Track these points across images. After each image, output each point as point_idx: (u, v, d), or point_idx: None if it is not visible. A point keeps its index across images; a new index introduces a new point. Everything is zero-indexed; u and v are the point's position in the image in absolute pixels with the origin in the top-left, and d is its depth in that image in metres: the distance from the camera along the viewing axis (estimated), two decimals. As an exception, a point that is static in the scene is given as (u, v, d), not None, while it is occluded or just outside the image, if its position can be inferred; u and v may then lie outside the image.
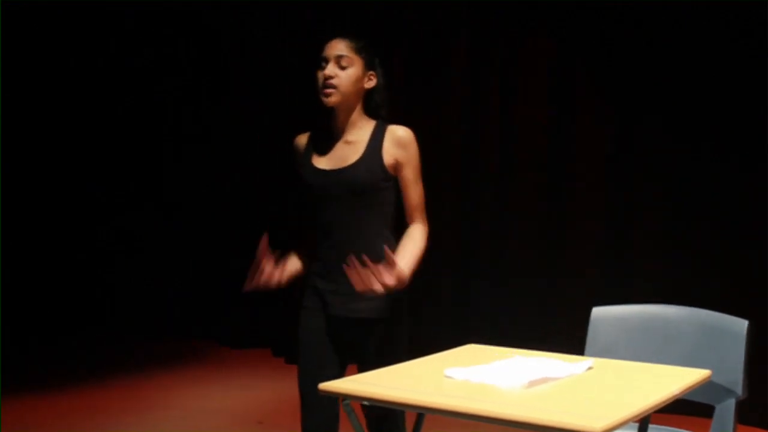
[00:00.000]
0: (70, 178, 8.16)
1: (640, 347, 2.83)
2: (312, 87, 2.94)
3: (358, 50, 2.89)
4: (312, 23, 6.50)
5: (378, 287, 2.60)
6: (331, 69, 2.85)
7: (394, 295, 2.71)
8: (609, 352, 2.78)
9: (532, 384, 2.12)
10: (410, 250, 2.80)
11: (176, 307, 7.83)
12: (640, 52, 5.27)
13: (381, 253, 2.66)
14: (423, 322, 6.07)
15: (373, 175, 2.84)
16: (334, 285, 2.88)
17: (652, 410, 2.01)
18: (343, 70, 2.86)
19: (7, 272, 7.64)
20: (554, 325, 5.45)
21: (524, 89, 5.77)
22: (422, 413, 2.39)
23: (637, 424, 2.26)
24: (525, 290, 5.72)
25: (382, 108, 2.97)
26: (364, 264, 2.59)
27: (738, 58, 4.90)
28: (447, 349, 2.70)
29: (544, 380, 2.17)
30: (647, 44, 5.24)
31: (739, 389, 2.61)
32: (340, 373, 2.86)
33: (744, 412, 2.77)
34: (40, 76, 7.96)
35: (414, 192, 2.89)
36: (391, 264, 2.60)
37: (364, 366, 2.80)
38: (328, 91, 2.85)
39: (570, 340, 3.21)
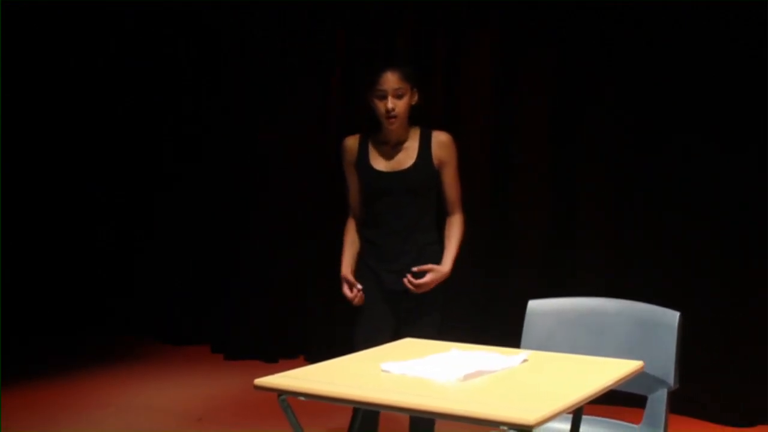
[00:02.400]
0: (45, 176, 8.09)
1: (575, 340, 2.86)
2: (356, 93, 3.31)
3: (407, 78, 3.43)
4: (312, 23, 6.46)
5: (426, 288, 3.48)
6: (391, 102, 3.39)
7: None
8: (545, 344, 2.81)
9: (468, 377, 2.14)
10: (454, 243, 3.54)
11: (113, 302, 7.73)
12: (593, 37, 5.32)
13: (428, 238, 3.52)
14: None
15: (427, 175, 3.48)
16: (389, 264, 3.49)
17: (586, 401, 2.04)
18: (400, 99, 3.41)
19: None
20: (491, 319, 5.48)
21: (467, 78, 5.77)
22: (360, 408, 2.40)
23: (571, 416, 2.29)
24: (462, 283, 5.73)
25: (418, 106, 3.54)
26: (415, 275, 3.45)
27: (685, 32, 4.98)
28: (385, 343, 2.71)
29: (480, 373, 2.19)
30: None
31: (671, 380, 2.66)
32: (392, 338, 3.21)
33: (676, 402, 2.81)
34: (39, 75, 7.84)
35: (454, 188, 3.53)
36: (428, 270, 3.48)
37: (407, 325, 3.47)
38: (392, 120, 3.41)
39: (507, 333, 3.24)
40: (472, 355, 2.38)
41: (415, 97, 3.49)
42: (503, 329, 4.36)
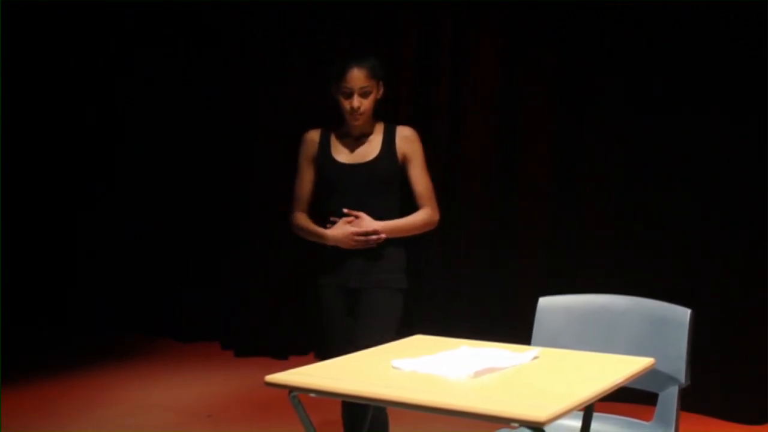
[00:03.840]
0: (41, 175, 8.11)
1: (585, 337, 2.85)
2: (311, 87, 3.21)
3: (373, 74, 3.36)
4: (312, 23, 6.47)
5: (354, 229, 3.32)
6: (357, 101, 3.34)
7: (401, 268, 3.43)
8: (555, 341, 2.81)
9: (479, 374, 2.14)
10: (402, 219, 3.42)
11: (123, 300, 7.75)
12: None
13: (390, 238, 3.36)
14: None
15: (390, 168, 3.40)
16: (350, 261, 3.37)
17: (597, 399, 2.03)
18: (366, 97, 3.35)
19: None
20: (501, 316, 5.48)
21: (471, 75, 5.77)
22: (370, 405, 2.40)
23: (582, 413, 2.29)
24: (472, 280, 5.74)
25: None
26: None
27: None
28: (403, 329, 2.71)
29: (490, 370, 2.18)
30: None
31: (682, 377, 2.65)
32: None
33: (687, 400, 2.80)
34: (38, 75, 7.88)
35: (420, 183, 3.45)
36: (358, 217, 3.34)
37: (368, 324, 3.33)
38: (357, 116, 3.36)
39: (517, 330, 3.23)
40: (483, 352, 2.38)
41: (381, 91, 3.44)
42: (512, 325, 4.38)
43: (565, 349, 2.63)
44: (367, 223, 3.32)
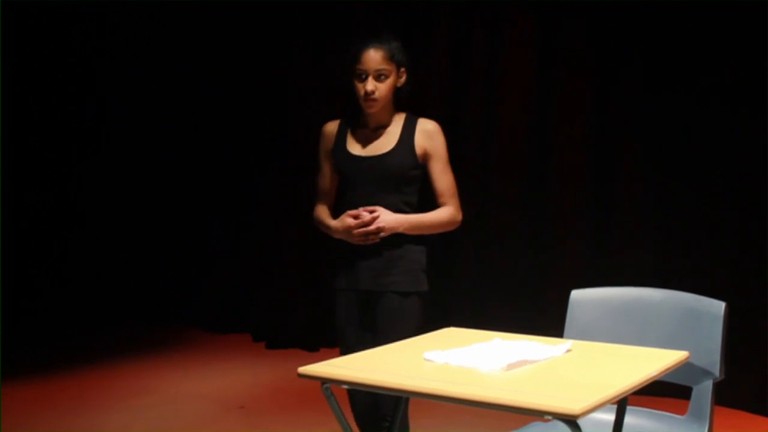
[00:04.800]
0: (69, 167, 8.17)
1: (618, 329, 2.84)
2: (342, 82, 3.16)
3: (393, 57, 3.13)
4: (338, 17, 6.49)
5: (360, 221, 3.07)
6: (371, 84, 3.09)
7: (419, 270, 3.16)
8: (588, 334, 2.79)
9: (512, 367, 2.13)
10: (422, 215, 3.17)
11: (157, 291, 7.81)
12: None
13: (408, 237, 3.13)
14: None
15: (405, 163, 3.14)
16: (364, 262, 3.14)
17: (630, 392, 2.02)
18: (382, 82, 3.11)
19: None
20: (534, 308, 5.46)
21: (506, 64, 5.76)
22: (403, 397, 2.40)
23: (615, 406, 2.28)
24: (505, 273, 5.73)
25: (407, 90, 3.23)
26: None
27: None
28: (426, 332, 2.71)
29: (523, 363, 2.17)
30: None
31: (716, 371, 2.62)
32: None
33: (722, 394, 2.78)
34: (37, 75, 7.93)
35: (442, 180, 3.19)
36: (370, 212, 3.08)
37: (380, 334, 3.06)
38: (371, 102, 3.11)
39: (549, 322, 3.22)
40: (516, 344, 2.37)
41: (403, 79, 3.19)
42: (544, 318, 4.36)
43: (597, 342, 2.61)
44: (382, 217, 3.07)
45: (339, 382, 2.17)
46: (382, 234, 3.07)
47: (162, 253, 7.81)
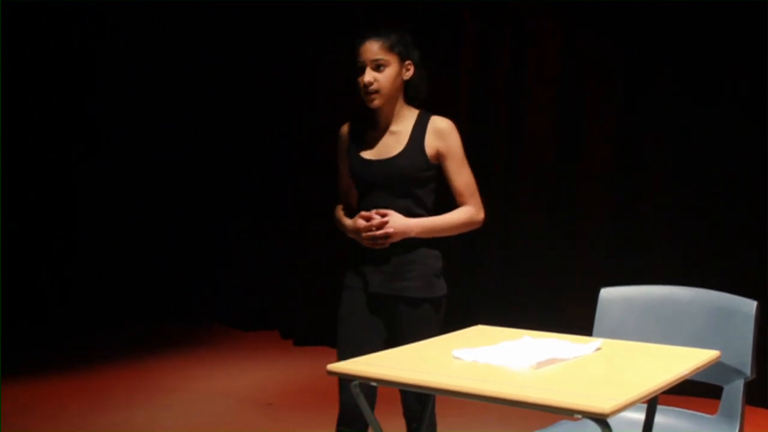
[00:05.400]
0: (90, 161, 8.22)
1: (648, 328, 2.82)
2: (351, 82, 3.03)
3: (392, 47, 2.98)
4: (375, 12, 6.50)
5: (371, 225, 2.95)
6: (369, 75, 2.96)
7: (433, 275, 3.04)
8: (617, 333, 2.78)
9: (541, 365, 2.13)
10: (439, 217, 3.03)
11: (185, 289, 7.85)
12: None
13: (422, 240, 3.00)
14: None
15: (415, 166, 2.99)
16: (376, 265, 3.03)
17: (661, 391, 2.01)
18: (381, 72, 2.97)
19: (15, 253, 7.68)
20: (562, 306, 5.45)
21: (533, 64, 5.75)
22: (432, 394, 2.40)
23: (645, 405, 2.27)
24: (533, 271, 5.72)
25: (420, 88, 3.08)
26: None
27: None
28: (455, 330, 2.71)
29: (553, 361, 2.17)
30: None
31: (747, 370, 2.60)
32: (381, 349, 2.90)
33: (753, 393, 2.76)
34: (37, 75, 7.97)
35: (459, 179, 3.03)
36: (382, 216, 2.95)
37: (396, 343, 2.87)
38: (371, 96, 2.98)
39: (578, 321, 3.21)
40: (545, 342, 2.37)
41: (410, 72, 3.04)
42: (572, 316, 4.34)
43: (627, 340, 2.60)
44: (392, 222, 2.94)
45: (368, 380, 2.18)
46: (390, 239, 2.96)
47: (190, 251, 7.86)
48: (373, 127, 3.10)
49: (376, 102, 2.99)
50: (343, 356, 2.99)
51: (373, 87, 2.97)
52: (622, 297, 2.93)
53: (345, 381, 2.96)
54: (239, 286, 7.40)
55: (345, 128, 3.20)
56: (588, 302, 3.04)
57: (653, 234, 5.27)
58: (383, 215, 2.96)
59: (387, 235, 2.94)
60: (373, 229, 2.95)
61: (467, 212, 3.05)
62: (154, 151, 8.00)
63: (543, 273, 5.67)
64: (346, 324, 3.14)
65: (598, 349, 2.33)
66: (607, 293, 2.94)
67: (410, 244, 2.99)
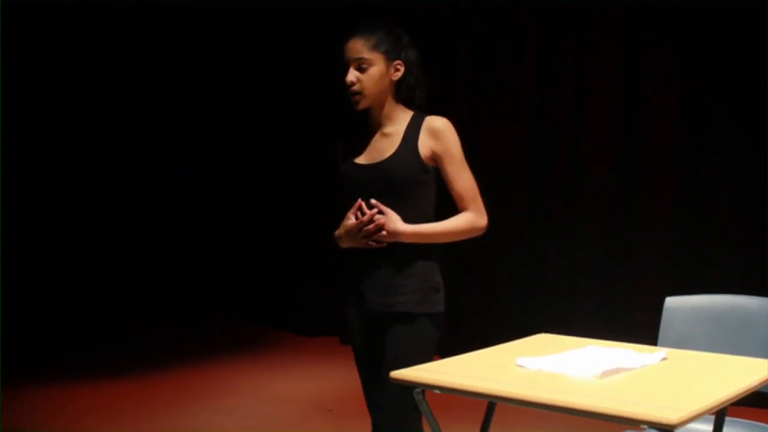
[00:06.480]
0: (144, 162, 8.35)
1: (714, 338, 2.78)
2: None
3: (376, 46, 2.80)
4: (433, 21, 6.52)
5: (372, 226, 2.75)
6: (351, 75, 2.80)
7: (429, 289, 2.81)
8: (683, 342, 2.75)
9: (606, 374, 2.11)
10: (436, 223, 2.81)
11: (246, 294, 7.93)
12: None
13: (417, 248, 2.78)
14: (494, 311, 6.06)
15: (408, 168, 2.79)
16: (370, 279, 2.84)
17: (729, 402, 1.98)
18: (364, 72, 2.80)
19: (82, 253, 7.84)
20: (625, 315, 5.39)
21: (594, 72, 5.71)
22: (493, 402, 2.39)
23: (713, 417, 2.23)
24: (597, 279, 5.66)
25: (416, 91, 2.90)
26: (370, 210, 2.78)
27: None
28: (518, 338, 2.70)
29: (618, 370, 2.15)
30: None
31: (820, 382, 2.55)
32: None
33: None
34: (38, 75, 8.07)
35: (458, 182, 2.81)
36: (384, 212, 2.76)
37: (389, 358, 2.76)
38: (355, 98, 2.82)
39: (642, 330, 3.17)
40: (609, 351, 2.34)
41: (399, 73, 2.84)
42: (636, 325, 4.29)
43: (693, 350, 2.56)
44: (391, 222, 2.75)
45: (431, 387, 2.18)
46: (384, 234, 2.75)
47: (253, 257, 7.93)
48: (366, 130, 2.92)
49: (360, 104, 2.83)
50: (363, 377, 2.99)
51: (356, 87, 2.80)
52: (688, 306, 2.90)
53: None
54: (302, 293, 7.44)
55: (340, 133, 3.05)
56: (651, 311, 3.00)
57: (715, 244, 5.19)
58: (383, 212, 2.77)
59: (379, 227, 2.75)
60: (363, 224, 2.77)
61: (467, 218, 2.81)
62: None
63: (607, 281, 5.61)
64: (355, 349, 3.01)
65: (664, 358, 2.30)
66: (672, 302, 2.91)
67: (405, 255, 2.79)
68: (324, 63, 7.01)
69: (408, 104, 2.90)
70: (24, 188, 7.73)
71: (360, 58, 2.78)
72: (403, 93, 2.88)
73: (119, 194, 8.19)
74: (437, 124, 2.82)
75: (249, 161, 8.01)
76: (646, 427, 1.80)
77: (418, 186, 2.81)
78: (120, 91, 8.07)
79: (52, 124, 7.97)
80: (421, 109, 2.90)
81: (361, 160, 2.88)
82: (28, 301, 7.46)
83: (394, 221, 2.75)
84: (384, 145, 2.85)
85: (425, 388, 2.19)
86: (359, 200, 2.81)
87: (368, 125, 2.91)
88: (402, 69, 2.85)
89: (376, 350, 2.86)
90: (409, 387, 2.23)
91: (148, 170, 8.26)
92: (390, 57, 2.82)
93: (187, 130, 8.17)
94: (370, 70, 2.79)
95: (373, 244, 2.78)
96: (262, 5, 7.37)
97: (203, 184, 8.30)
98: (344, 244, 2.89)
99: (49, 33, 7.80)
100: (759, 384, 2.11)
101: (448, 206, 2.86)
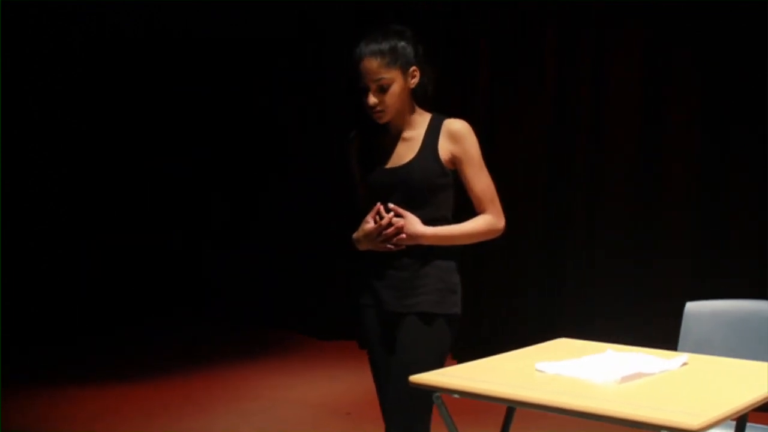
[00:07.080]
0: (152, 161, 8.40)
1: (735, 343, 2.77)
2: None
3: (393, 61, 2.79)
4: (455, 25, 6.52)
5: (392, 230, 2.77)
6: (373, 98, 2.79)
7: (447, 290, 2.82)
8: (703, 347, 2.73)
9: (626, 379, 2.10)
10: (456, 225, 2.84)
11: (264, 297, 7.94)
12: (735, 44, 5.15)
13: (436, 250, 2.80)
14: (513, 315, 6.05)
15: (428, 172, 2.81)
16: (387, 281, 2.86)
17: (751, 408, 1.97)
18: (386, 92, 2.79)
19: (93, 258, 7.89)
20: (645, 320, 5.36)
21: (614, 78, 5.69)
22: (513, 407, 2.39)
23: (734, 423, 2.22)
24: (616, 284, 5.64)
25: (429, 86, 2.90)
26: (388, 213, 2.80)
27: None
28: (537, 343, 2.69)
29: (638, 375, 2.14)
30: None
31: (841, 388, 2.53)
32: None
33: None
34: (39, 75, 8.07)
35: (477, 185, 2.83)
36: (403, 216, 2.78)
37: (402, 358, 2.79)
38: (378, 115, 2.82)
39: (661, 335, 3.16)
40: (629, 356, 2.33)
41: (416, 79, 2.84)
42: (655, 330, 4.28)
43: (713, 355, 2.55)
44: (410, 225, 2.77)
45: (450, 391, 2.18)
46: (403, 236, 2.77)
47: (270, 259, 7.94)
48: (384, 134, 2.92)
49: (384, 119, 2.84)
50: (377, 381, 2.99)
51: (379, 108, 2.80)
52: (708, 311, 2.88)
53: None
54: (320, 297, 7.45)
55: (353, 136, 3.03)
56: (671, 316, 2.98)
57: (738, 249, 5.16)
58: (402, 215, 2.79)
59: (398, 230, 2.77)
60: (383, 228, 2.78)
61: (486, 220, 2.84)
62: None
63: (626, 286, 5.59)
64: (371, 352, 3.00)
65: (685, 364, 2.29)
66: (692, 307, 2.89)
67: (423, 256, 2.81)
68: (324, 63, 7.02)
69: (423, 102, 2.90)
70: (24, 188, 7.75)
71: (379, 79, 2.78)
72: (419, 92, 2.88)
73: (119, 194, 8.21)
74: (456, 126, 2.83)
75: (249, 161, 8.05)
76: (666, 432, 1.79)
77: (438, 189, 2.83)
78: (120, 91, 8.09)
79: (52, 124, 7.99)
80: (439, 112, 2.90)
81: (382, 163, 2.89)
82: (28, 301, 7.48)
83: (413, 224, 2.77)
84: (404, 150, 2.86)
85: (444, 392, 2.19)
86: (378, 204, 2.83)
87: (386, 129, 2.91)
88: (417, 75, 2.85)
89: (392, 353, 2.87)
90: (422, 390, 2.23)
91: (148, 170, 8.28)
92: (406, 68, 2.82)
93: (187, 130, 8.19)
94: (392, 89, 2.79)
95: (392, 247, 2.79)
96: (263, 6, 7.39)
97: (203, 184, 8.34)
98: (363, 247, 2.90)
99: (49, 33, 7.81)
100: (781, 390, 2.09)
101: (466, 208, 2.86)
